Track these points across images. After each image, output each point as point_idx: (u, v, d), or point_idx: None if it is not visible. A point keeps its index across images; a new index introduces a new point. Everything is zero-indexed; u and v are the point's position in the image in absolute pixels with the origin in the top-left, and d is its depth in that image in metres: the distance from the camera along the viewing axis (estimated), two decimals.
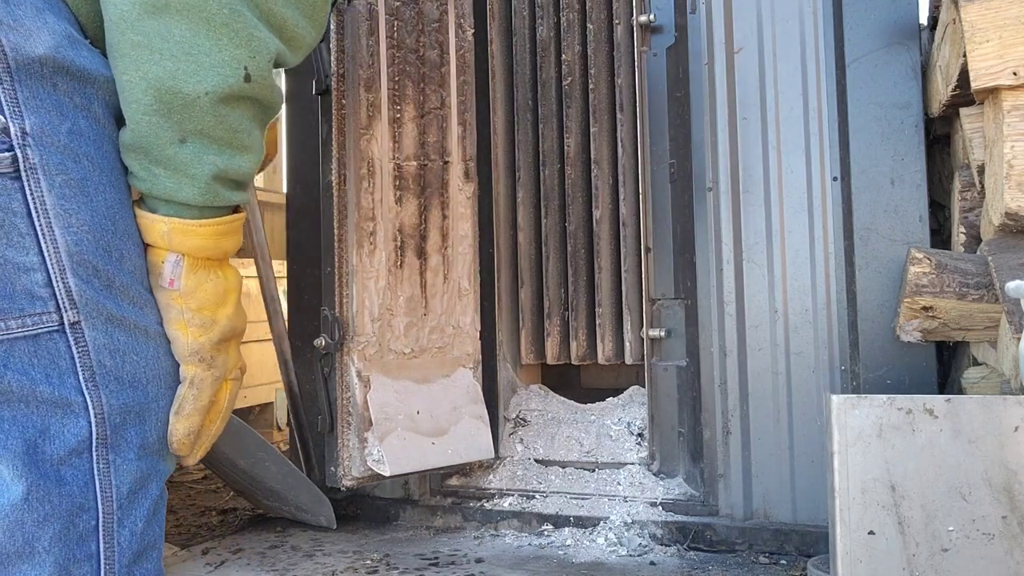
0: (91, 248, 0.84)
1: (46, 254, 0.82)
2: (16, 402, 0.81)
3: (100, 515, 0.85)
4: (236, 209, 0.96)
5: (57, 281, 0.82)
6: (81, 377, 0.83)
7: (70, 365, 0.83)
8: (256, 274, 1.82)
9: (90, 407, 0.83)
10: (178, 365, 0.91)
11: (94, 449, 0.84)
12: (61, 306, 0.82)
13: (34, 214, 0.81)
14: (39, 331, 0.82)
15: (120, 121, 0.89)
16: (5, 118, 0.80)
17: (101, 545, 0.85)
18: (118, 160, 0.88)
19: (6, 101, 0.81)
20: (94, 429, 0.84)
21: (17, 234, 0.81)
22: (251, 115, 0.91)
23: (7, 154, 0.80)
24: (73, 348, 0.83)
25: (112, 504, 0.85)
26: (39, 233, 0.82)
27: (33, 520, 0.81)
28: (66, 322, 0.83)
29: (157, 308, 0.90)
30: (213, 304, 0.94)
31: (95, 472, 0.84)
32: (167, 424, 0.89)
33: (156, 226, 0.90)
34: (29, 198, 0.81)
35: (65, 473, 0.83)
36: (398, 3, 2.21)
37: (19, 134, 0.81)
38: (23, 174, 0.81)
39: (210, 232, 0.92)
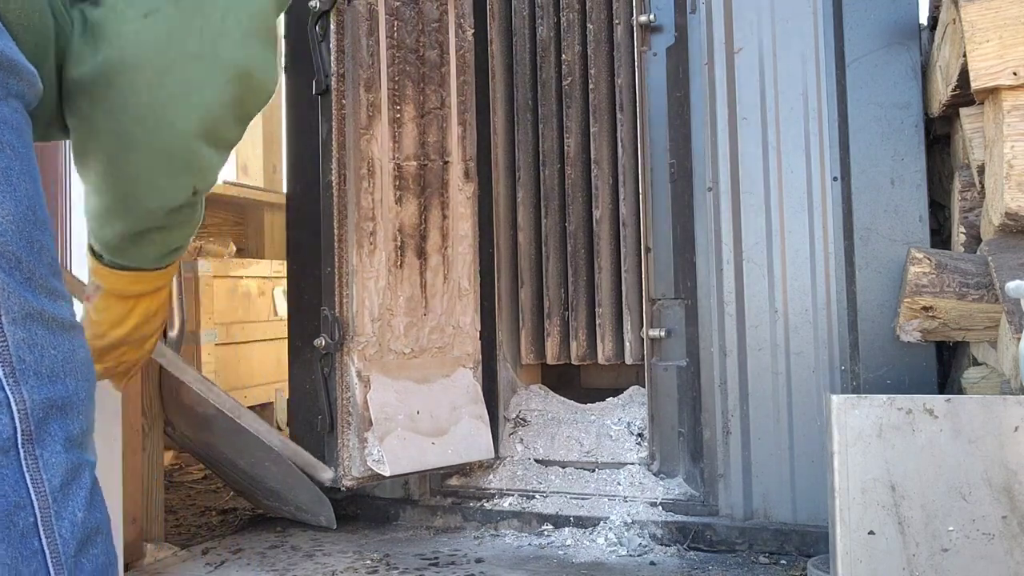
0: (15, 239, 0.83)
1: None
2: None
3: (37, 511, 0.83)
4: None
5: None
6: (1, 373, 0.82)
7: None
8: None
9: (12, 403, 0.82)
10: (91, 358, 0.94)
11: (20, 446, 0.82)
12: None
13: None
14: None
15: (33, 113, 0.92)
16: None
17: (44, 540, 0.84)
18: (33, 150, 0.89)
19: None
20: (18, 425, 0.82)
21: None
22: (197, 203, 1.12)
23: None
24: None
25: (47, 499, 0.84)
26: None
27: None
28: None
29: (70, 300, 0.92)
30: (109, 324, 1.22)
31: (24, 469, 0.83)
32: (89, 417, 0.91)
33: (88, 261, 1.16)
34: None
35: None
36: (398, 3, 2.21)
37: None
38: None
39: (127, 280, 1.17)
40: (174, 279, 2.17)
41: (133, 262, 1.15)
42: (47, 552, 0.84)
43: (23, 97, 0.88)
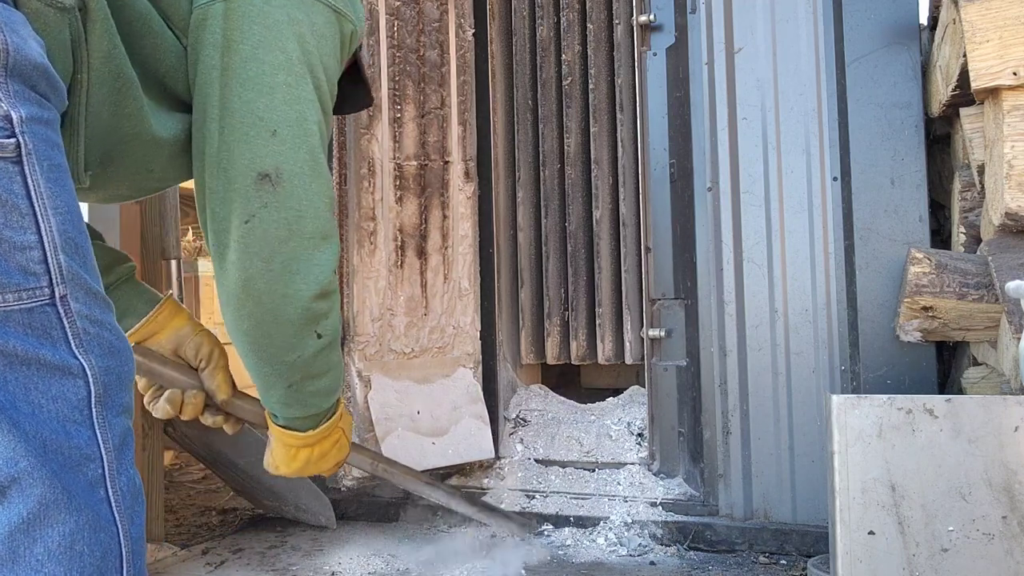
0: (72, 228, 0.95)
1: (43, 233, 0.91)
2: (19, 365, 0.89)
3: (104, 464, 0.95)
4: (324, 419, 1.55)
5: (51, 258, 0.91)
6: (72, 344, 0.93)
7: (62, 334, 0.93)
8: None
9: (87, 370, 0.94)
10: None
11: (93, 406, 0.94)
12: (53, 281, 0.92)
13: (33, 196, 0.91)
14: (33, 304, 0.90)
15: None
16: (7, 107, 0.89)
17: (109, 490, 0.95)
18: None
19: (3, 93, 0.90)
20: (92, 389, 0.94)
21: (18, 214, 0.89)
22: (326, 345, 1.40)
23: (11, 140, 0.89)
24: (63, 319, 0.93)
25: (112, 455, 0.96)
26: (38, 214, 0.91)
27: (56, 468, 0.91)
28: (56, 296, 0.92)
29: None
30: (283, 462, 1.57)
31: (96, 428, 0.95)
32: (132, 391, 1.02)
33: (268, 418, 1.55)
34: (29, 181, 0.90)
35: (71, 429, 0.92)
36: (398, 3, 2.21)
37: (20, 121, 0.90)
38: (23, 159, 0.90)
39: (286, 436, 1.53)
40: (174, 280, 2.17)
41: (292, 425, 1.51)
42: (112, 501, 0.96)
43: (59, 107, 1.00)
